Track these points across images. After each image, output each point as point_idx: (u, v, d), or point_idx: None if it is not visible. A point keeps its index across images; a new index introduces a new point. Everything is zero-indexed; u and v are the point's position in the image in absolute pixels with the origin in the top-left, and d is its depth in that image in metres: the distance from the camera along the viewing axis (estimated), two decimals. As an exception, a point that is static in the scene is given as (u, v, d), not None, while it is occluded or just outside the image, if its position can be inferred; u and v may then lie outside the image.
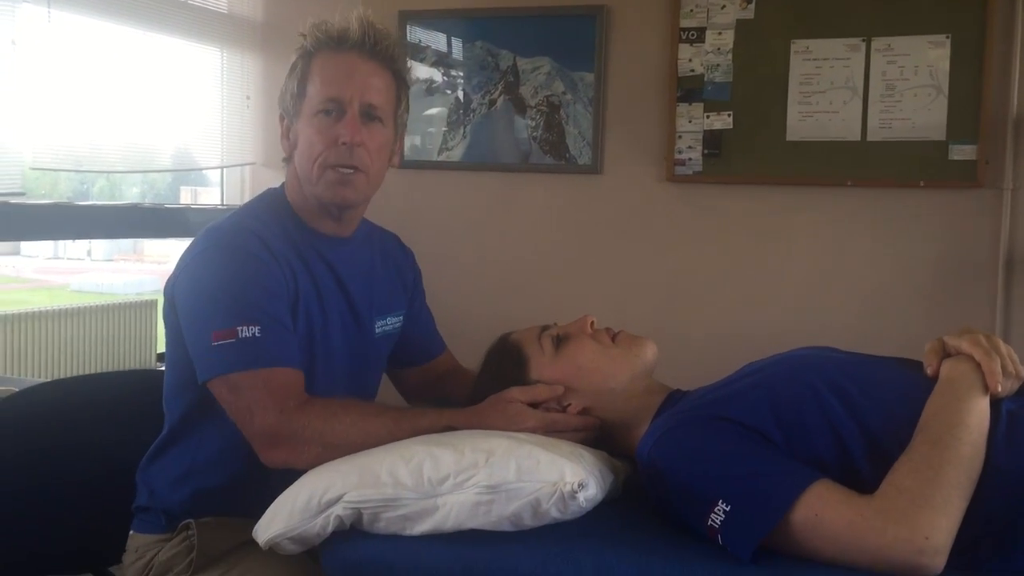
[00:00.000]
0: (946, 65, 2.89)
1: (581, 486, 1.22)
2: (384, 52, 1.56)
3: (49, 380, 2.25)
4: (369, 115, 1.54)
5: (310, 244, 1.57)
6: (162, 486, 1.56)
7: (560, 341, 1.52)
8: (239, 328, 1.39)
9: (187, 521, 1.52)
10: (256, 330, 1.40)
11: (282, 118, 1.60)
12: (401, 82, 1.61)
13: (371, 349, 1.67)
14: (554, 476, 1.22)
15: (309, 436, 1.37)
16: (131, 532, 1.59)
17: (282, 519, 1.29)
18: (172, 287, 1.52)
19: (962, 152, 2.89)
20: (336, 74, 1.53)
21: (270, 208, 1.60)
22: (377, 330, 1.67)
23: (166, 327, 1.55)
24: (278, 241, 1.52)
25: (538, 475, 1.23)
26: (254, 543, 1.33)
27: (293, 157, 1.58)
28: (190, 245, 1.53)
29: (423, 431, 1.39)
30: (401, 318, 1.75)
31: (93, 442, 1.74)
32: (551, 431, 1.43)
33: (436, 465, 1.25)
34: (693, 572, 1.16)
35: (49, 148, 3.41)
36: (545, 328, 1.56)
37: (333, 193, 1.54)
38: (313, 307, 1.54)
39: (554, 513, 1.23)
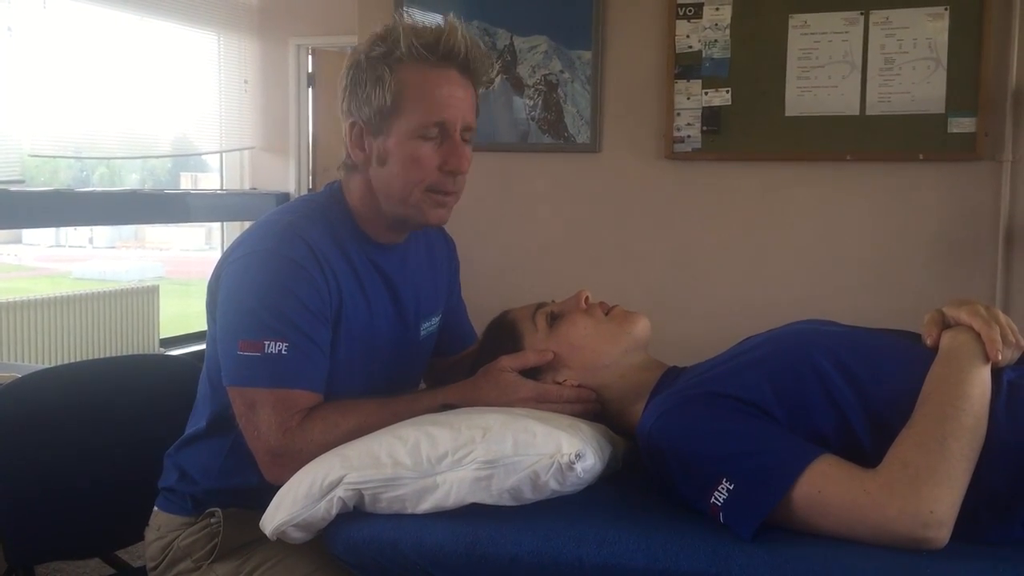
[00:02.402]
0: (945, 37, 2.88)
1: (578, 456, 1.22)
2: (480, 71, 1.50)
3: (52, 366, 2.26)
4: (464, 137, 1.50)
5: (362, 249, 1.53)
6: (194, 472, 1.55)
7: (554, 318, 1.52)
8: (266, 342, 1.37)
9: (213, 509, 1.51)
10: (284, 347, 1.37)
11: (354, 125, 1.50)
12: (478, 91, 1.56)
13: (415, 351, 1.65)
14: (551, 448, 1.23)
15: (313, 451, 1.35)
16: (155, 509, 1.59)
17: (286, 507, 1.30)
18: (216, 282, 1.49)
19: (961, 125, 2.88)
20: (443, 96, 1.46)
21: (326, 208, 1.54)
22: (423, 332, 1.65)
23: (208, 320, 1.52)
24: (327, 244, 1.47)
25: (535, 448, 1.23)
26: None
27: (367, 169, 1.51)
28: (240, 238, 1.50)
29: (421, 414, 1.39)
30: (441, 314, 1.73)
31: (99, 427, 1.75)
32: (544, 401, 1.44)
33: (433, 443, 1.25)
34: (695, 546, 1.16)
35: (48, 135, 3.41)
36: (540, 306, 1.56)
37: (428, 216, 1.51)
38: (359, 311, 1.51)
39: (553, 485, 1.23)
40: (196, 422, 1.57)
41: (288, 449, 1.37)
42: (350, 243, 1.52)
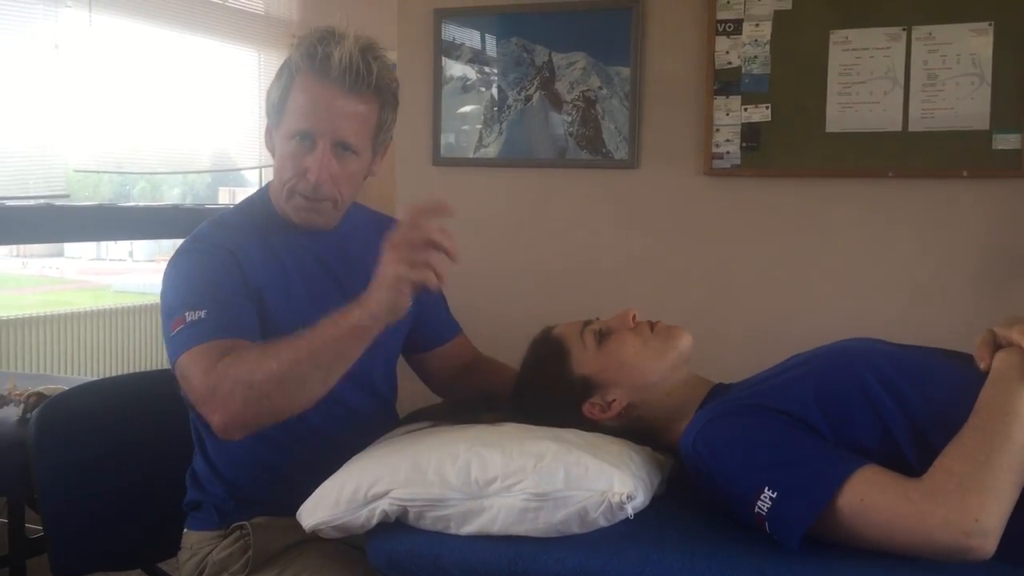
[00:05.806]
0: (989, 53, 2.84)
1: (630, 497, 1.21)
2: (367, 87, 1.52)
3: (96, 379, 2.29)
4: (343, 147, 1.53)
5: (290, 239, 1.60)
6: (209, 485, 1.58)
7: (602, 336, 1.52)
8: (187, 314, 1.44)
9: (241, 522, 1.53)
10: (202, 313, 1.43)
11: (268, 117, 1.62)
12: (387, 103, 1.58)
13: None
14: (602, 485, 1.22)
15: (229, 385, 1.33)
16: (185, 530, 1.61)
17: (327, 507, 1.31)
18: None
19: (1006, 141, 2.84)
20: (312, 107, 1.51)
21: (250, 208, 1.65)
22: None
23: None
24: (241, 236, 1.56)
25: (587, 483, 1.22)
26: (307, 542, 1.35)
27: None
28: None
29: (344, 326, 1.32)
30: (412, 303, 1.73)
31: (143, 439, 1.77)
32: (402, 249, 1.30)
33: (484, 466, 1.25)
34: (737, 563, 1.16)
35: (91, 151, 3.46)
36: (588, 323, 1.56)
37: (300, 218, 1.58)
38: (282, 295, 1.55)
39: (601, 522, 1.23)
40: (195, 435, 1.62)
41: (210, 391, 1.35)
42: (276, 235, 1.59)
